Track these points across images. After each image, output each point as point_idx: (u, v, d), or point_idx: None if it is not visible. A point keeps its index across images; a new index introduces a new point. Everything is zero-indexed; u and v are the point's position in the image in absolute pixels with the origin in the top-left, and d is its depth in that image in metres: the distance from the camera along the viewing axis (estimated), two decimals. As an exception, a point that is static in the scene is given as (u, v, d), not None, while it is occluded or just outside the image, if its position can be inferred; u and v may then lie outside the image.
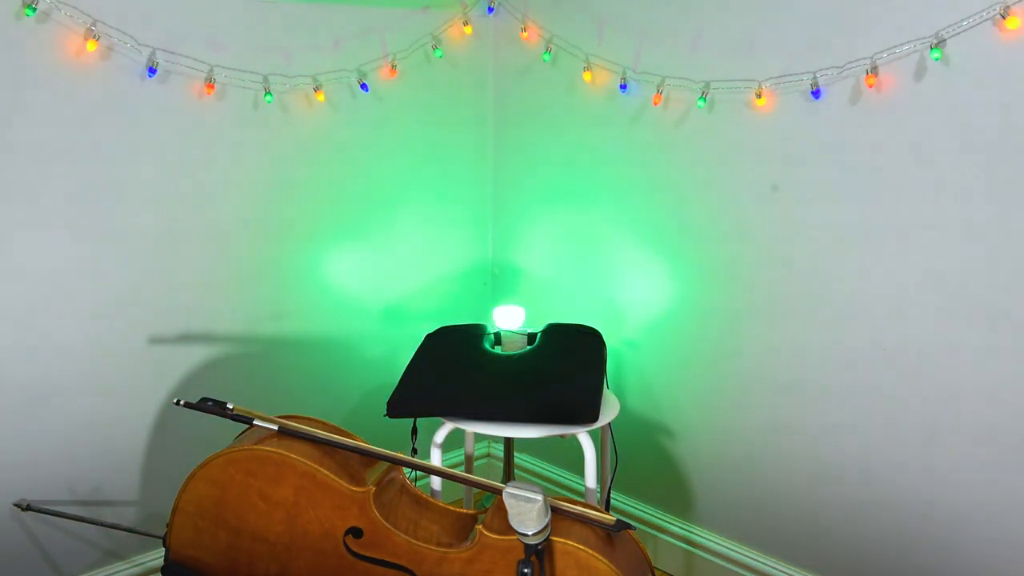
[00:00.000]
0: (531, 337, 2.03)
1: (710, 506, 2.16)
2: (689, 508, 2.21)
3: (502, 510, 1.51)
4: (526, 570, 1.36)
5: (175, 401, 1.67)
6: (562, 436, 1.81)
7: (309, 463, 1.58)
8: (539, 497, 1.32)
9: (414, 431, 1.94)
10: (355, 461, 1.68)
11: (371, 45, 2.19)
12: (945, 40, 1.59)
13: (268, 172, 2.07)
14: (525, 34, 2.32)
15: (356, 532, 1.57)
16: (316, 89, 2.09)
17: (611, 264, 2.25)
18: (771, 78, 1.84)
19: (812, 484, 1.94)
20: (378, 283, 2.34)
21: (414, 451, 1.91)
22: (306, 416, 1.74)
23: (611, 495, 2.29)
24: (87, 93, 1.78)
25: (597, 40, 2.16)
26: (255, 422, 1.66)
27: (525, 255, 2.48)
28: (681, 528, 2.22)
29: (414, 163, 2.35)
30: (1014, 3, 1.49)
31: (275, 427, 1.65)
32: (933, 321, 1.69)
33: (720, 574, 2.14)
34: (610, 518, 1.54)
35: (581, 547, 1.45)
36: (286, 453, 1.58)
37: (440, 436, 1.86)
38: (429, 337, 2.03)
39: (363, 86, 2.18)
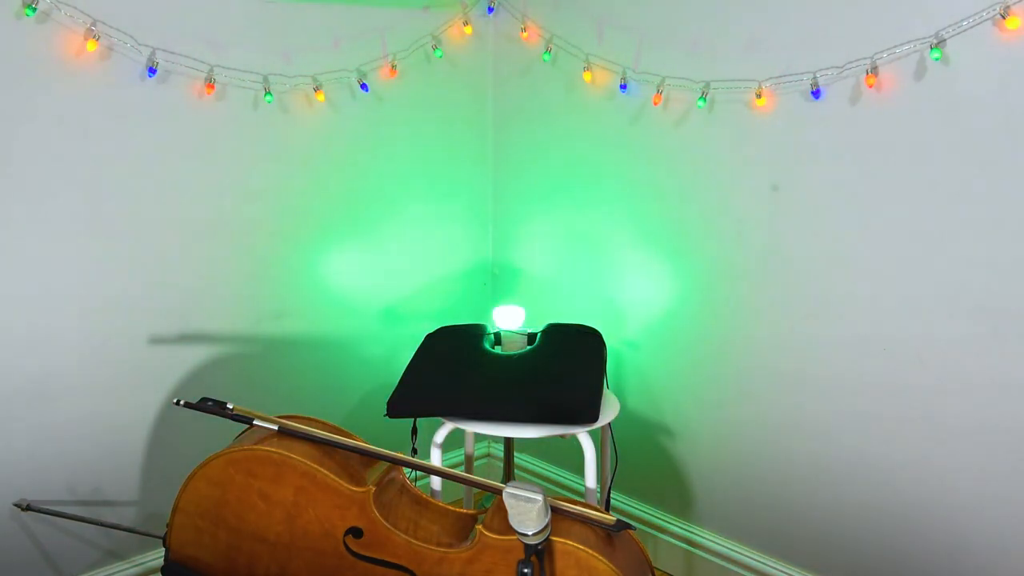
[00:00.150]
0: (531, 337, 2.03)
1: (710, 506, 2.16)
2: (689, 508, 2.21)
3: (502, 510, 1.51)
4: (526, 570, 1.36)
5: (175, 401, 1.67)
6: (562, 436, 1.81)
7: (309, 463, 1.58)
8: (539, 497, 1.32)
9: (414, 431, 1.94)
10: (355, 461, 1.68)
11: (371, 45, 2.19)
12: (945, 40, 1.59)
13: (268, 172, 2.07)
14: (525, 34, 2.32)
15: (356, 532, 1.57)
16: (316, 89, 2.09)
17: (611, 264, 2.25)
18: (771, 78, 1.84)
19: (812, 484, 1.94)
20: (378, 283, 2.34)
21: (414, 451, 1.91)
22: (306, 416, 1.74)
23: (611, 495, 2.29)
24: (87, 93, 1.78)
25: (597, 40, 2.16)
26: (255, 422, 1.66)
27: (525, 255, 2.48)
28: (681, 528, 2.22)
29: (414, 163, 2.35)
30: (1014, 3, 1.49)
31: (275, 427, 1.65)
32: (933, 320, 1.69)
33: (720, 574, 2.14)
34: (610, 518, 1.54)
35: (581, 547, 1.45)
36: (286, 453, 1.58)
37: (440, 436, 1.86)
38: (429, 337, 2.03)
39: (363, 86, 2.18)
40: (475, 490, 2.25)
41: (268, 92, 2.01)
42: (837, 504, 1.90)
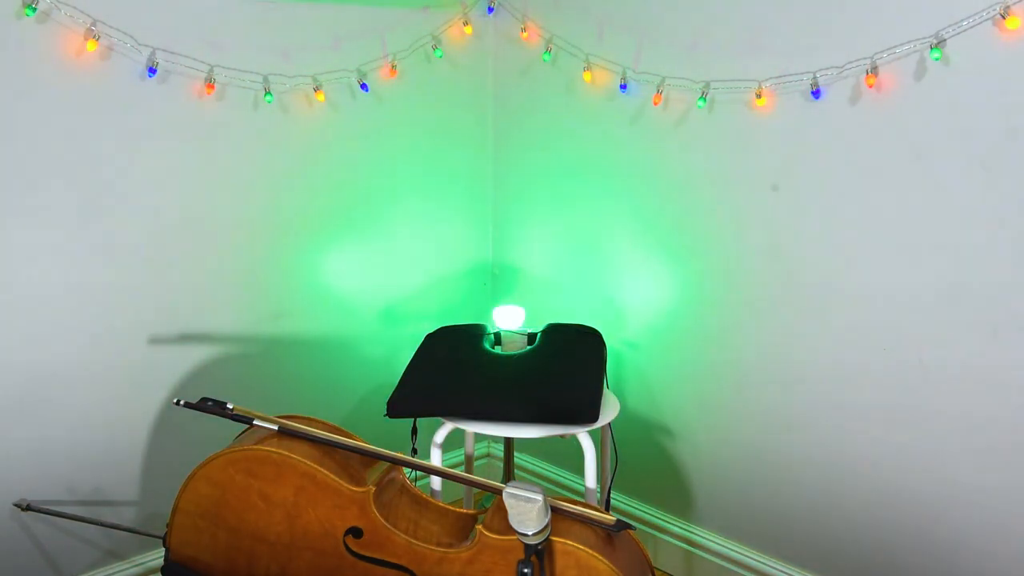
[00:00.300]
0: (531, 337, 2.03)
1: (710, 506, 2.16)
2: (689, 508, 2.21)
3: (502, 510, 1.51)
4: (526, 570, 1.36)
5: (175, 401, 1.67)
6: (562, 436, 1.81)
7: (309, 463, 1.58)
8: (539, 497, 1.32)
9: (414, 431, 1.94)
10: (355, 461, 1.68)
11: (371, 45, 2.19)
12: (945, 40, 1.59)
13: (268, 172, 2.07)
14: (525, 34, 2.32)
15: (356, 532, 1.57)
16: (316, 89, 2.09)
17: (611, 264, 2.25)
18: (771, 78, 1.84)
19: (813, 484, 1.94)
20: (378, 283, 2.34)
21: (414, 451, 1.91)
22: (306, 416, 1.74)
23: (611, 495, 2.29)
24: (87, 93, 1.78)
25: (597, 40, 2.16)
26: (255, 422, 1.66)
27: (525, 255, 2.48)
28: (681, 528, 2.22)
29: (414, 163, 2.35)
30: (1014, 3, 1.49)
31: (275, 427, 1.65)
32: (933, 320, 1.69)
33: (720, 574, 2.14)
34: (610, 518, 1.54)
35: (581, 547, 1.45)
36: (286, 453, 1.58)
37: (440, 436, 1.86)
38: (429, 337, 2.03)
39: (363, 86, 2.18)
40: (475, 490, 2.25)
41: (268, 92, 2.01)
42: (837, 504, 1.90)
